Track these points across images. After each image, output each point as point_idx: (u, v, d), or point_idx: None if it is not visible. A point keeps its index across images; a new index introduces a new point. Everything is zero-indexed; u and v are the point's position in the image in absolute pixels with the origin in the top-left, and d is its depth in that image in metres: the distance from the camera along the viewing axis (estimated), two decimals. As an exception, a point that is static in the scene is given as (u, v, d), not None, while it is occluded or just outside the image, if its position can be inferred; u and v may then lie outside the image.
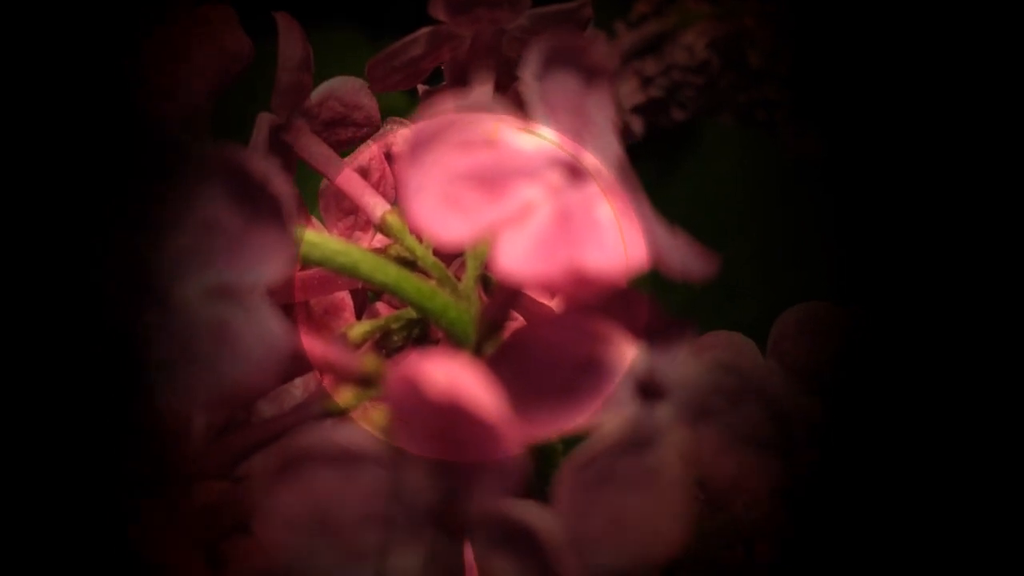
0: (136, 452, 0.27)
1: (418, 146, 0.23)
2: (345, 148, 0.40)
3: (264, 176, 0.24)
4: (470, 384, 0.20)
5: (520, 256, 0.22)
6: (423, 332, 0.35)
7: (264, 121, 0.36)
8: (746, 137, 0.67)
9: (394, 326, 0.35)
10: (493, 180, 0.23)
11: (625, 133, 0.68)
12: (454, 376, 0.21)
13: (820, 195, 0.62)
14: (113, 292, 0.24)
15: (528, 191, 0.23)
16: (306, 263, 0.31)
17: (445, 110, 0.23)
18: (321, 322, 0.42)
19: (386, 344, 0.35)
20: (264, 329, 0.24)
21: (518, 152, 0.24)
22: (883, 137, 0.66)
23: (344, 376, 0.27)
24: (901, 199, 0.67)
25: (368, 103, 0.39)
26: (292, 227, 0.24)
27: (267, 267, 0.24)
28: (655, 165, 0.69)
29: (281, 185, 0.24)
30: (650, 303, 0.25)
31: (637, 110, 0.65)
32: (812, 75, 0.67)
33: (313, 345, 0.26)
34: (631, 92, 0.64)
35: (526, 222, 0.23)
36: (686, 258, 0.24)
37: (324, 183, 0.41)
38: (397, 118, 0.42)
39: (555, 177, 0.23)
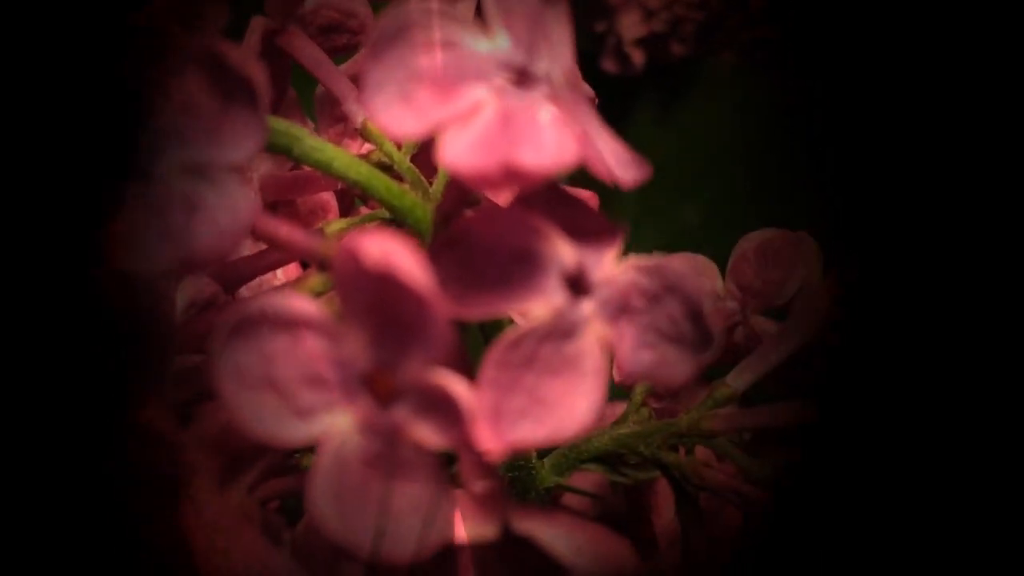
0: (120, 329, 0.30)
1: (379, 44, 0.25)
2: (341, 54, 0.42)
3: (239, 63, 0.26)
4: (402, 257, 0.23)
5: (461, 151, 0.24)
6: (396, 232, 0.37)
7: (258, 24, 0.38)
8: (746, 76, 0.68)
9: (368, 224, 0.37)
10: (446, 80, 0.25)
11: (626, 64, 0.69)
12: (388, 249, 0.23)
13: (815, 136, 0.64)
14: (99, 165, 0.26)
15: (478, 92, 0.25)
16: (285, 156, 0.33)
17: (407, 9, 0.25)
18: (306, 221, 0.45)
19: (361, 240, 0.37)
20: (232, 202, 0.26)
21: (472, 55, 0.25)
22: (879, 80, 0.66)
23: (304, 256, 0.29)
24: (896, 143, 0.68)
25: (362, 10, 0.41)
26: (264, 112, 0.26)
27: (239, 148, 0.26)
28: (655, 98, 0.71)
29: (254, 72, 0.26)
30: (585, 206, 0.27)
31: (639, 42, 0.66)
32: (813, 17, 0.67)
33: (277, 227, 0.29)
34: (633, 24, 0.65)
35: (472, 121, 0.25)
36: (620, 165, 0.26)
37: (319, 88, 0.43)
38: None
39: (503, 81, 0.25)
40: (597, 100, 0.40)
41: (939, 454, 0.35)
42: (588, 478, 0.43)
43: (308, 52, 0.39)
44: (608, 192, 0.84)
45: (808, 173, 0.63)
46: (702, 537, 0.36)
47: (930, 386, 0.34)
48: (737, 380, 0.36)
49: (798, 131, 0.64)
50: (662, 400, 0.42)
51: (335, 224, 0.37)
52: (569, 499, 0.50)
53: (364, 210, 0.45)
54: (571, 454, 0.36)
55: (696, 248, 0.49)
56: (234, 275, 0.38)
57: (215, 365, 0.24)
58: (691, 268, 0.39)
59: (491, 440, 0.24)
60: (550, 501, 0.49)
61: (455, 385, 0.24)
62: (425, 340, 0.24)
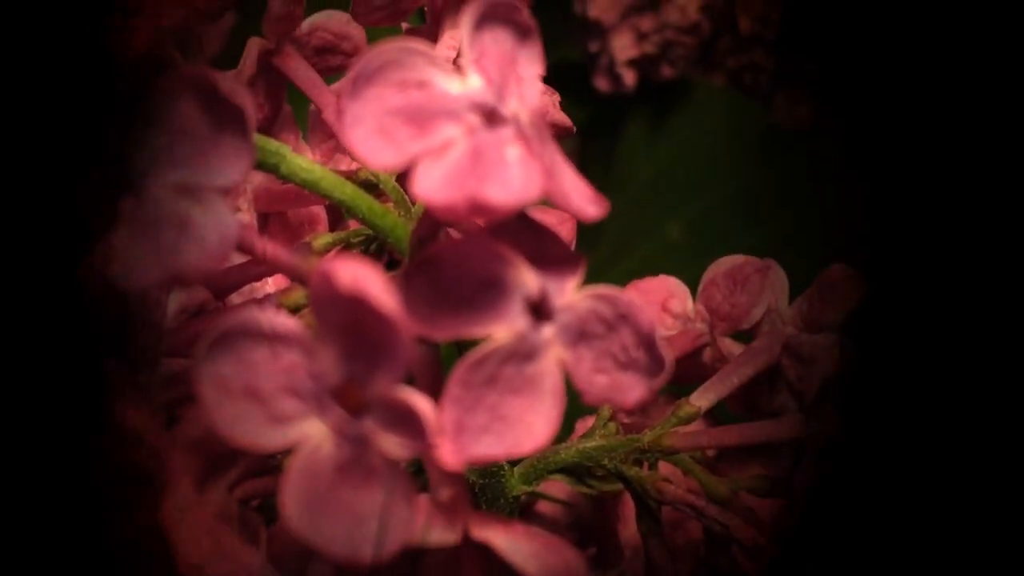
0: (113, 335, 0.31)
1: (358, 80, 0.27)
2: (334, 75, 0.44)
3: (230, 91, 0.28)
4: (371, 282, 0.25)
5: (432, 184, 0.26)
6: (380, 248, 0.39)
7: (254, 45, 0.39)
8: (734, 100, 0.70)
9: (354, 240, 0.39)
10: (421, 117, 0.27)
11: (618, 83, 0.71)
12: (358, 274, 0.25)
13: (799, 160, 0.66)
14: (96, 183, 0.28)
15: (450, 129, 0.27)
16: (276, 175, 0.35)
17: (386, 49, 0.27)
18: (296, 232, 0.47)
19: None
20: (219, 222, 0.28)
21: (445, 95, 0.27)
22: (864, 108, 0.68)
23: (286, 272, 0.31)
24: (882, 169, 0.69)
25: (356, 34, 0.43)
26: (252, 137, 0.28)
27: (227, 171, 0.28)
28: (645, 117, 0.72)
29: (244, 100, 0.28)
30: (552, 235, 0.29)
31: (631, 63, 0.68)
32: (801, 43, 0.69)
33: (263, 244, 0.30)
34: (626, 45, 0.67)
35: (444, 156, 0.27)
36: (582, 200, 0.28)
37: (312, 106, 0.45)
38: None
39: (474, 119, 0.27)
40: (575, 130, 0.42)
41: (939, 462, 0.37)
42: (562, 488, 0.45)
43: (302, 72, 0.41)
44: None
45: (789, 195, 0.65)
46: (662, 548, 0.38)
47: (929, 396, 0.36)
48: (700, 399, 0.38)
49: (780, 154, 0.66)
50: (631, 416, 0.44)
51: (322, 239, 0.39)
52: (543, 506, 0.52)
53: (353, 224, 0.47)
54: (539, 464, 0.38)
55: (679, 265, 0.52)
56: (224, 283, 0.40)
57: (197, 373, 0.26)
58: (658, 292, 0.41)
59: (451, 454, 0.26)
60: (520, 508, 0.51)
61: (419, 401, 0.26)
62: (392, 359, 0.26)
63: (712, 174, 0.69)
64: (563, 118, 0.41)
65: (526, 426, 0.27)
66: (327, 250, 0.39)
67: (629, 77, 0.69)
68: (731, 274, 0.41)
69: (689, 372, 0.43)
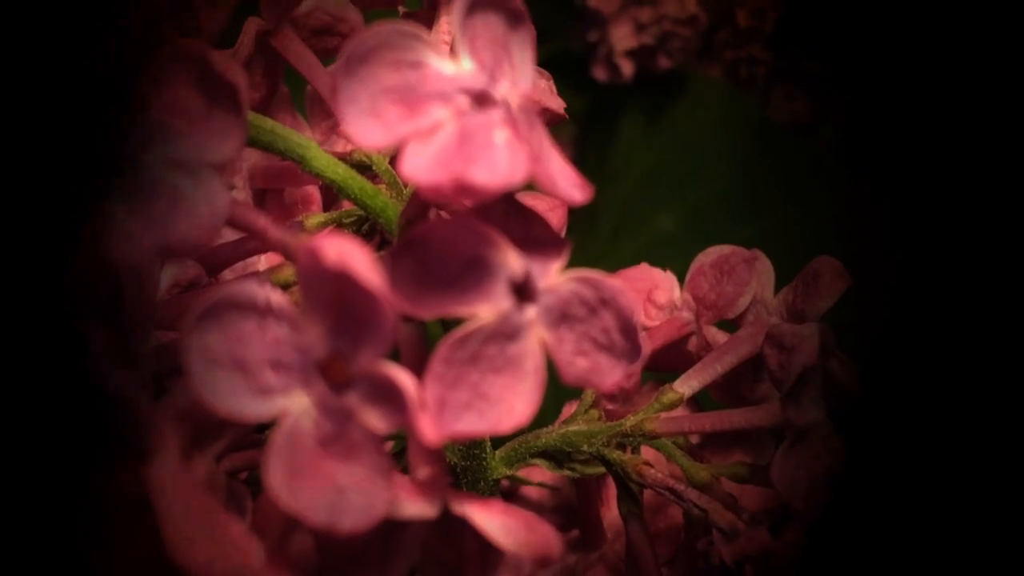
0: (105, 305, 0.32)
1: (353, 59, 0.27)
2: (332, 56, 0.44)
3: (224, 68, 0.28)
4: (357, 260, 0.25)
5: (419, 165, 0.26)
6: (371, 229, 0.40)
7: (252, 25, 0.40)
8: (730, 93, 0.70)
9: (346, 220, 0.39)
10: (412, 98, 0.28)
11: (615, 73, 0.72)
12: (344, 251, 0.25)
13: (793, 154, 0.66)
14: (92, 157, 0.29)
15: (439, 111, 0.28)
16: (270, 151, 0.36)
17: (381, 30, 0.28)
18: (291, 210, 0.47)
19: (338, 234, 0.39)
20: (211, 197, 0.28)
21: (436, 77, 0.28)
22: (859, 104, 0.69)
23: (277, 249, 0.31)
24: (876, 164, 0.70)
25: (353, 16, 0.43)
26: (245, 114, 0.29)
27: (220, 147, 0.29)
28: (642, 108, 0.73)
29: (238, 78, 0.28)
30: (538, 217, 0.29)
31: (629, 54, 0.68)
32: (798, 38, 0.70)
33: (255, 219, 0.31)
34: (624, 36, 0.68)
35: (432, 137, 0.27)
36: (568, 185, 0.28)
37: (309, 88, 0.46)
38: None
39: (464, 102, 0.28)
40: (568, 116, 0.43)
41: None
42: (546, 474, 0.45)
43: (299, 53, 0.41)
44: (584, 208, 0.86)
45: (784, 189, 0.65)
46: (642, 529, 0.38)
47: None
48: (683, 386, 0.39)
49: (776, 147, 0.66)
50: (615, 402, 0.45)
51: (314, 218, 0.39)
52: (527, 491, 0.52)
53: (346, 204, 0.47)
54: (521, 448, 0.38)
55: (673, 256, 0.52)
56: (217, 259, 0.41)
57: (185, 343, 0.27)
58: (644, 282, 0.42)
59: (432, 430, 0.27)
60: (505, 493, 0.52)
61: (402, 377, 0.26)
62: (376, 335, 0.26)
63: (707, 167, 0.69)
64: (557, 103, 0.42)
65: (507, 404, 0.28)
66: (319, 229, 0.39)
67: (627, 68, 0.69)
68: (718, 264, 0.42)
69: (674, 360, 0.43)
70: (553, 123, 0.42)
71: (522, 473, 0.50)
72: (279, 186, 0.46)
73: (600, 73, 0.72)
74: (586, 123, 0.82)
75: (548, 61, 0.87)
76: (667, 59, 0.69)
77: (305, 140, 0.35)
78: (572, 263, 0.91)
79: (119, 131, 0.29)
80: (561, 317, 0.29)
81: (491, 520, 0.28)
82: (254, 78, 0.43)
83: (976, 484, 0.37)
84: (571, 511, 0.48)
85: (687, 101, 0.71)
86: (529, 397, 0.28)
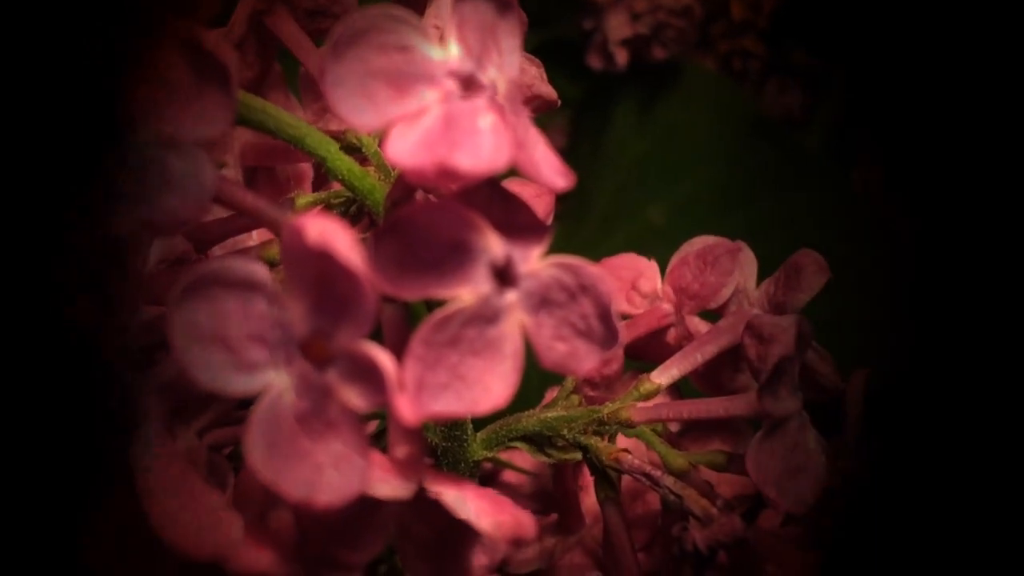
0: (95, 279, 0.32)
1: (341, 42, 0.28)
2: (325, 37, 0.45)
3: (215, 48, 0.29)
4: (339, 240, 0.25)
5: (404, 148, 0.27)
6: (359, 210, 0.40)
7: (245, 4, 0.40)
8: (723, 85, 0.71)
9: (335, 201, 0.40)
10: (401, 81, 0.28)
11: (610, 62, 0.72)
12: (327, 230, 0.26)
13: (781, 148, 0.66)
14: (83, 129, 0.29)
15: (427, 94, 0.28)
16: (260, 131, 0.36)
17: (370, 14, 0.28)
18: (283, 188, 0.47)
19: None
20: (199, 173, 0.29)
21: (424, 61, 0.28)
22: (852, 96, 0.69)
23: (265, 226, 0.32)
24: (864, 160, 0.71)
25: (347, -1, 0.43)
26: (234, 93, 0.29)
27: (209, 125, 0.29)
28: (635, 97, 0.73)
29: (228, 56, 0.29)
30: (521, 203, 0.30)
31: (624, 43, 0.69)
32: (793, 32, 0.70)
33: (243, 197, 0.31)
34: (620, 25, 0.68)
35: (419, 120, 0.28)
36: (550, 171, 0.29)
37: (303, 68, 0.46)
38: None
39: (452, 86, 0.28)
40: (560, 102, 0.43)
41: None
42: (528, 459, 0.46)
43: (292, 33, 0.41)
44: (583, 187, 0.87)
45: (771, 183, 0.66)
46: (618, 514, 0.39)
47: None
48: (661, 376, 0.39)
49: (765, 141, 0.67)
50: (596, 389, 0.45)
51: (304, 198, 0.40)
52: (508, 476, 0.53)
53: (337, 184, 0.47)
54: (501, 431, 0.39)
55: (660, 246, 0.53)
56: (207, 235, 0.41)
57: (170, 317, 0.27)
58: (629, 271, 0.42)
59: (409, 410, 0.27)
60: (486, 477, 0.53)
61: (381, 356, 0.27)
62: (357, 314, 0.26)
63: (697, 158, 0.70)
64: (548, 90, 0.42)
65: (484, 386, 0.28)
66: (309, 209, 0.39)
67: (621, 56, 0.70)
68: (702, 254, 0.42)
69: (654, 350, 0.44)
70: (544, 110, 0.42)
71: (505, 457, 0.50)
72: (271, 164, 0.46)
73: (595, 61, 0.72)
74: (581, 110, 0.82)
75: (544, 47, 0.87)
76: (662, 49, 0.69)
77: (295, 120, 0.36)
78: (564, 249, 0.91)
79: (110, 108, 0.29)
80: (541, 302, 0.29)
81: (464, 501, 0.28)
82: (248, 57, 0.43)
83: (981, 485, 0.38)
84: (551, 496, 0.48)
85: (680, 92, 0.72)
86: (507, 379, 0.29)
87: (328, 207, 0.40)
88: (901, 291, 0.64)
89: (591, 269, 0.29)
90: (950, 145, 0.70)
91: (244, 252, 0.38)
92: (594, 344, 0.29)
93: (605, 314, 0.29)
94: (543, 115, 0.42)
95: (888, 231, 0.67)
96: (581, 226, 0.80)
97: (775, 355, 0.33)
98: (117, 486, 0.28)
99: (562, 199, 0.95)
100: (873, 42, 0.72)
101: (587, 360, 0.29)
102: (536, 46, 0.86)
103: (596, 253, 0.80)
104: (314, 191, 0.46)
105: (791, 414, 0.35)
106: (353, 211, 0.40)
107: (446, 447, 0.38)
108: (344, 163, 0.35)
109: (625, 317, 0.45)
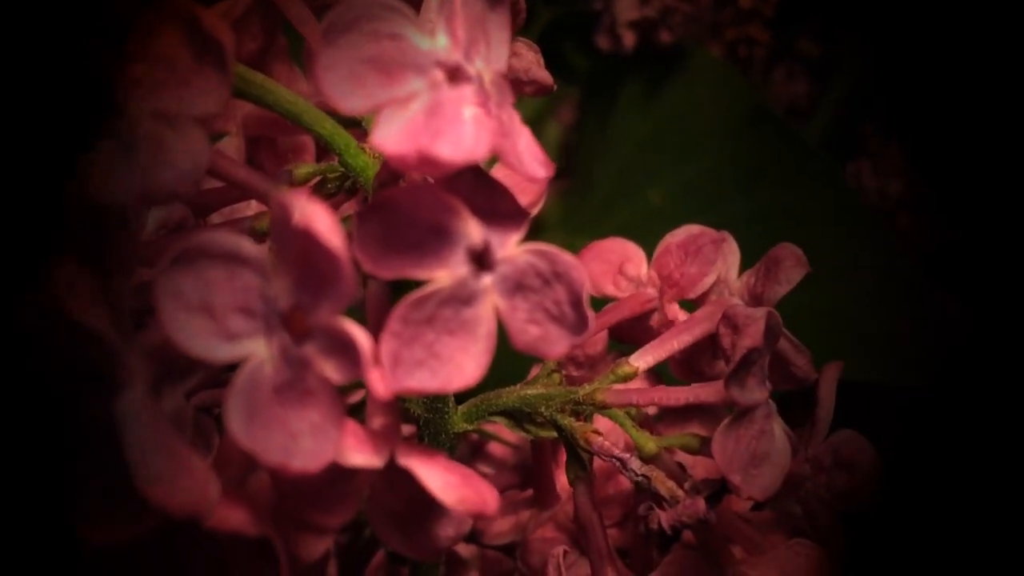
0: (92, 241, 0.33)
1: (332, 28, 0.29)
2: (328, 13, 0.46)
3: (212, 26, 0.30)
4: (320, 220, 0.27)
5: (389, 135, 0.28)
6: (354, 185, 0.41)
7: (250, -22, 0.41)
8: (728, 72, 0.71)
9: (331, 175, 0.41)
10: (390, 67, 0.29)
11: (618, 43, 0.73)
12: (309, 211, 0.27)
13: (781, 139, 0.67)
14: (81, 101, 0.30)
15: (415, 82, 0.29)
16: (259, 105, 0.37)
17: (360, 2, 0.29)
18: (284, 157, 0.48)
19: (322, 188, 0.41)
20: (192, 148, 0.30)
21: (413, 50, 0.29)
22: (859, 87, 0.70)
23: (258, 199, 0.33)
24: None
25: (352, -26, 0.44)
26: (230, 71, 0.30)
27: (204, 101, 0.30)
28: (641, 79, 0.74)
29: (225, 35, 0.30)
30: (503, 191, 0.31)
31: (632, 25, 0.69)
32: (798, 20, 0.70)
33: (236, 170, 0.32)
34: (628, 7, 0.69)
35: (406, 107, 0.29)
36: (531, 162, 0.30)
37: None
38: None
39: (439, 75, 0.29)
40: (555, 87, 0.44)
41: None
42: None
43: (295, 8, 0.42)
44: (589, 164, 0.87)
45: (769, 172, 0.66)
46: (588, 494, 0.40)
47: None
48: (639, 360, 0.40)
49: (767, 130, 0.68)
50: (580, 368, 0.46)
51: (303, 168, 0.41)
52: (493, 447, 0.54)
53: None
54: (482, 406, 0.40)
55: (659, 227, 0.54)
56: (206, 202, 0.42)
57: (158, 285, 0.28)
58: (616, 254, 0.43)
59: (382, 385, 0.29)
60: (472, 447, 0.54)
61: (357, 333, 0.28)
62: (336, 292, 0.28)
63: (699, 144, 0.70)
64: (544, 75, 0.43)
65: (457, 365, 0.30)
66: (307, 180, 0.40)
67: (628, 38, 0.70)
68: (685, 244, 0.43)
69: (637, 333, 0.45)
70: (540, 94, 0.43)
71: (491, 429, 0.52)
72: (273, 135, 0.47)
73: (603, 42, 0.73)
74: (591, 87, 0.83)
75: (562, 21, 0.88)
76: (668, 33, 0.70)
77: (293, 96, 0.37)
78: (567, 225, 0.93)
79: (109, 80, 0.31)
80: (516, 287, 0.30)
81: (432, 474, 0.30)
82: (252, 29, 0.44)
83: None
84: (529, 470, 0.50)
85: (685, 77, 0.72)
86: (479, 359, 0.30)
87: (325, 180, 0.41)
88: (897, 285, 0.65)
89: (566, 257, 0.30)
90: (958, 137, 0.71)
91: (238, 222, 0.39)
92: (565, 329, 0.30)
93: (577, 301, 0.30)
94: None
95: (886, 224, 0.68)
96: (585, 202, 0.81)
97: (743, 346, 0.34)
98: (103, 446, 0.29)
99: (570, 176, 0.96)
100: (880, 32, 0.72)
101: (558, 344, 0.31)
102: (551, 19, 0.87)
103: (598, 231, 0.81)
104: (317, 162, 0.47)
105: (758, 403, 0.36)
106: (349, 185, 0.41)
107: (428, 418, 0.40)
108: (341, 138, 0.36)
109: (611, 299, 0.46)
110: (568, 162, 0.88)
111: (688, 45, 0.72)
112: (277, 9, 0.43)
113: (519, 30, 0.42)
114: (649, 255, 0.46)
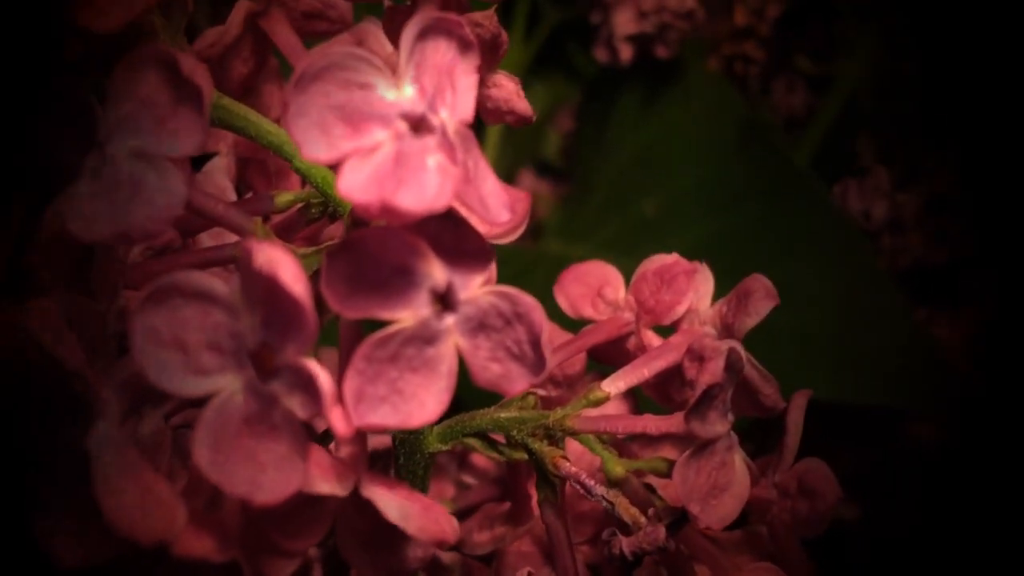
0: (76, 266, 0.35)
1: (304, 76, 0.30)
2: (318, 39, 0.47)
3: (190, 71, 0.31)
4: (283, 267, 0.28)
5: (353, 184, 0.29)
6: (335, 212, 0.42)
7: (241, 7, 0.42)
8: (722, 88, 0.72)
9: (314, 200, 0.42)
10: (356, 118, 0.30)
11: (615, 57, 0.74)
12: (273, 258, 0.28)
13: (772, 154, 0.68)
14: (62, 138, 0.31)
15: (380, 133, 0.30)
16: (242, 135, 0.38)
17: (333, 52, 0.30)
18: (273, 179, 0.50)
19: (305, 214, 0.42)
20: (169, 188, 0.31)
21: (379, 101, 0.30)
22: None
23: (235, 233, 0.34)
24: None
25: (342, 4, 0.45)
26: (206, 114, 0.31)
27: (182, 142, 0.31)
28: (638, 92, 0.75)
29: (202, 80, 0.31)
30: (470, 232, 0.32)
31: (629, 39, 0.70)
32: (794, 38, 0.71)
33: (214, 206, 0.34)
34: (626, 21, 0.70)
35: (371, 157, 0.30)
36: (494, 207, 0.31)
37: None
38: (374, 17, 0.48)
39: (403, 127, 0.30)
40: (535, 118, 0.45)
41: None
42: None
43: (285, 36, 0.43)
44: (586, 173, 0.88)
45: (759, 189, 0.67)
46: (556, 515, 0.41)
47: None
48: (611, 385, 0.41)
49: (758, 147, 0.68)
50: (558, 388, 0.48)
51: (284, 196, 0.42)
52: (477, 459, 0.56)
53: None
54: (456, 427, 0.41)
55: (648, 239, 0.54)
56: (193, 225, 0.43)
57: (132, 322, 0.30)
58: (595, 277, 0.44)
59: (343, 424, 0.30)
60: (458, 457, 0.55)
61: (320, 374, 0.29)
62: (299, 335, 0.29)
63: (690, 158, 0.71)
64: (524, 106, 0.44)
65: (419, 401, 0.31)
66: (288, 206, 0.42)
67: (626, 52, 0.71)
68: (660, 272, 0.44)
69: (614, 355, 0.46)
70: (520, 125, 0.44)
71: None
72: (263, 156, 0.48)
73: (601, 54, 0.74)
74: (589, 95, 0.84)
75: (566, 26, 0.89)
76: (665, 49, 0.71)
77: (275, 127, 0.38)
78: (563, 233, 0.94)
79: (91, 118, 0.32)
80: (479, 326, 0.31)
81: (392, 504, 0.31)
82: (243, 53, 0.45)
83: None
84: (506, 488, 0.51)
85: (680, 91, 0.73)
86: (440, 396, 0.31)
87: (309, 205, 0.42)
88: (880, 305, 0.65)
89: (526, 299, 0.31)
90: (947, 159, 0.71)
91: (221, 248, 0.40)
92: (526, 368, 0.32)
93: (536, 342, 0.31)
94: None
95: (871, 247, 0.69)
96: (582, 209, 0.82)
97: (703, 383, 0.35)
98: (75, 473, 0.30)
99: (569, 183, 0.96)
100: (878, 51, 0.73)
101: (518, 382, 0.32)
102: (553, 24, 0.88)
103: (591, 241, 0.82)
104: (303, 185, 0.48)
105: (719, 436, 0.37)
106: (330, 212, 0.42)
107: (404, 438, 0.41)
108: (320, 172, 0.37)
109: (589, 321, 0.47)
110: (568, 168, 0.89)
111: (685, 59, 0.73)
112: (267, 38, 0.44)
113: (500, 62, 0.43)
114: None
